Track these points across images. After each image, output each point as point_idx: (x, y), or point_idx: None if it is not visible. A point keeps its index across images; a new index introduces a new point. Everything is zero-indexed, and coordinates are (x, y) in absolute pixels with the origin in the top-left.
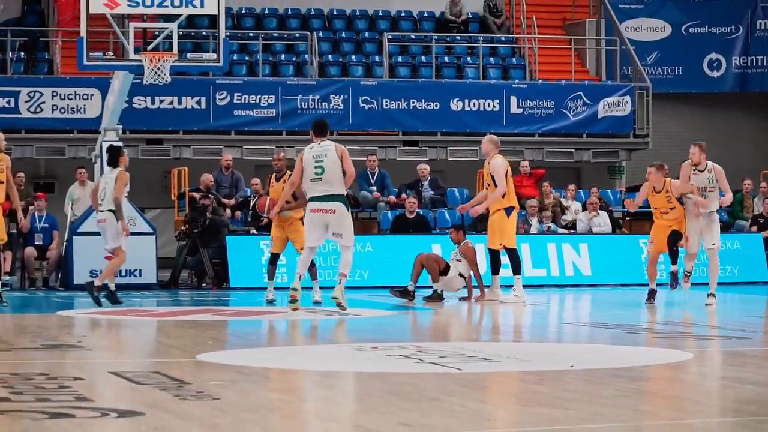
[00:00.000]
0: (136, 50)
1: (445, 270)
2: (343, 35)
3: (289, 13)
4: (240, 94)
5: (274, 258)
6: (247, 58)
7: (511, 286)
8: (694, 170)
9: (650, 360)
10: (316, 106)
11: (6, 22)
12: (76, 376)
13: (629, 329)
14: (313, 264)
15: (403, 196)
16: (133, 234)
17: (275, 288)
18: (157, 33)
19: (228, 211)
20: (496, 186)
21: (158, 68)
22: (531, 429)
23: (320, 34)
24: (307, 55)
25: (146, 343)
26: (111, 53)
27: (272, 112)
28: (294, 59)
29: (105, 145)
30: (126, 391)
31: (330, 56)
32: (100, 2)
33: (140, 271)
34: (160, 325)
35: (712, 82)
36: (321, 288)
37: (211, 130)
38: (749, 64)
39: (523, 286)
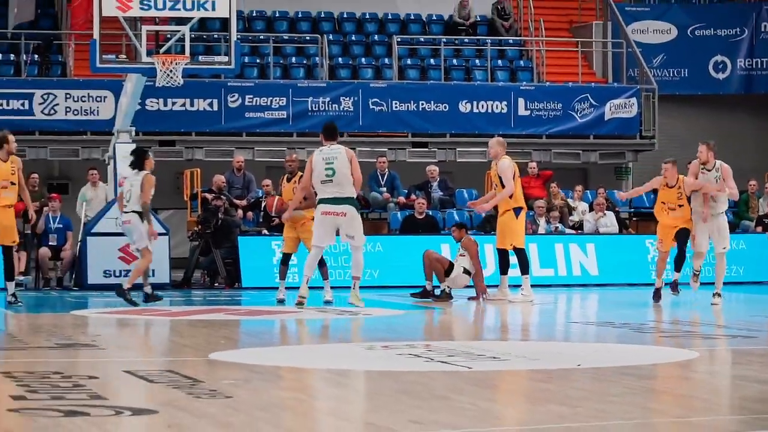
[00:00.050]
0: (149, 53)
1: (449, 269)
2: (353, 38)
3: (300, 16)
4: (251, 96)
5: (285, 258)
6: (258, 60)
7: (520, 285)
8: (702, 169)
9: (657, 359)
10: (327, 108)
11: (20, 25)
12: (91, 375)
13: (636, 328)
14: (324, 264)
15: (413, 197)
16: None
17: (286, 288)
18: (169, 36)
19: (240, 212)
20: (503, 187)
21: (170, 71)
22: (539, 427)
23: (330, 36)
24: (317, 58)
25: (160, 342)
26: (124, 56)
27: (283, 114)
28: (304, 62)
29: (121, 147)
30: (140, 390)
31: (340, 59)
32: (112, 5)
33: (153, 271)
34: (174, 324)
35: (718, 83)
36: (332, 288)
37: (222, 132)
38: (754, 66)
39: (531, 286)
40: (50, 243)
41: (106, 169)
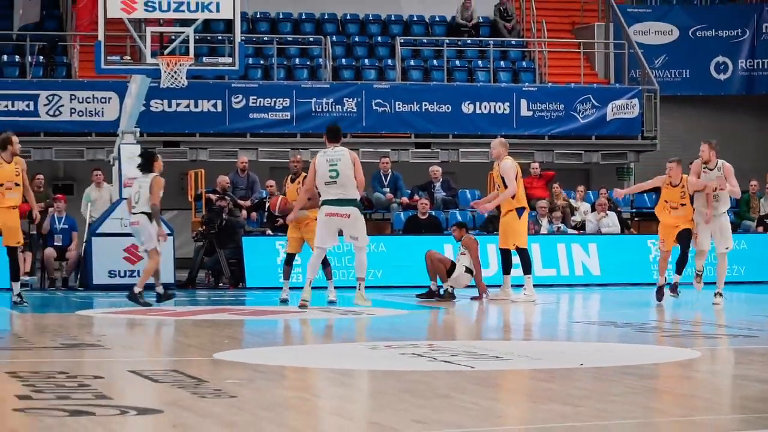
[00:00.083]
0: (153, 54)
1: (451, 269)
2: (357, 39)
3: (304, 17)
4: (255, 97)
5: (289, 258)
6: (262, 61)
7: (522, 285)
8: (704, 168)
9: (659, 358)
10: (330, 109)
11: (25, 26)
12: (96, 375)
13: (638, 328)
14: (328, 264)
15: (416, 197)
16: None
17: (290, 288)
18: (173, 37)
19: (244, 213)
20: (506, 187)
21: (175, 72)
22: (542, 426)
23: (334, 38)
24: (321, 59)
25: (164, 342)
26: (128, 57)
27: (287, 115)
28: (308, 63)
29: (126, 148)
30: (145, 389)
31: (343, 60)
32: (117, 7)
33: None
34: (178, 324)
35: (719, 84)
36: (335, 288)
37: (227, 133)
38: (755, 66)
39: (534, 286)
40: (55, 243)
41: (110, 170)
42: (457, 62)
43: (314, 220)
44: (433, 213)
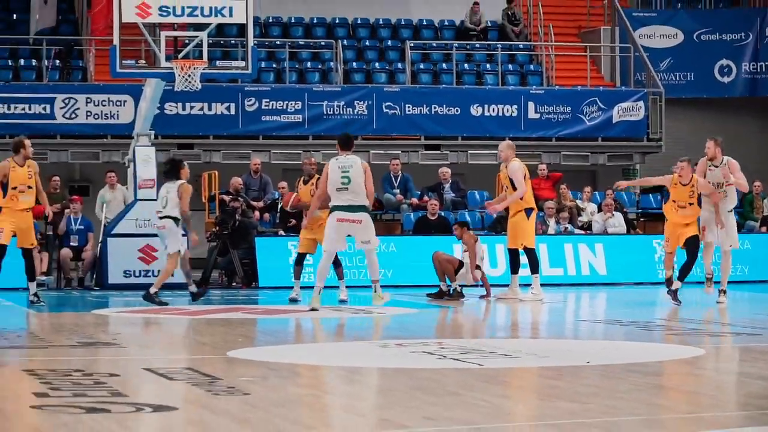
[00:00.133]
0: (168, 58)
1: (459, 268)
2: (367, 43)
3: (315, 21)
4: (268, 100)
5: (300, 258)
6: (274, 65)
7: (530, 284)
8: (709, 166)
9: (664, 356)
10: (341, 112)
11: (41, 31)
12: (112, 373)
13: (643, 326)
14: (339, 264)
15: (426, 198)
16: None
17: (301, 287)
18: (187, 41)
19: (257, 213)
20: (514, 189)
21: (189, 75)
22: (550, 423)
23: (345, 42)
24: (332, 63)
25: (179, 340)
26: (143, 61)
27: (299, 117)
28: (320, 66)
29: (141, 150)
30: (160, 387)
31: (354, 63)
32: (132, 11)
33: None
34: (192, 323)
35: (723, 87)
36: (347, 287)
37: (240, 135)
38: (759, 69)
39: (541, 285)
40: (72, 244)
41: (124, 171)
42: (466, 65)
43: (326, 219)
44: (443, 214)
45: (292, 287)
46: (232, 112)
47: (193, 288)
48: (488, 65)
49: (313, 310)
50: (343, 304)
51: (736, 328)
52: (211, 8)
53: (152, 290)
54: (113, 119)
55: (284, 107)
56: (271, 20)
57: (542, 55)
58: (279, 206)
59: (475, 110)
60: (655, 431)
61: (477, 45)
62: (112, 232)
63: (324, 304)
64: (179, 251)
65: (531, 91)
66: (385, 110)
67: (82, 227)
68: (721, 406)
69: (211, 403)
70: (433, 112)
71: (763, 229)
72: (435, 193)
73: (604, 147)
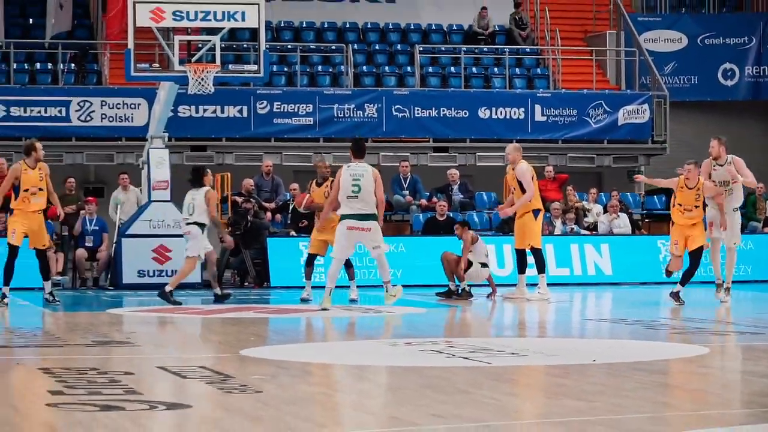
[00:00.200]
0: (181, 62)
1: (467, 267)
2: (377, 47)
3: (326, 26)
4: (279, 103)
5: (311, 259)
6: (286, 69)
7: (536, 284)
8: (714, 165)
9: (669, 354)
10: (352, 115)
11: (57, 35)
12: (126, 371)
13: (648, 325)
14: (351, 266)
15: (434, 199)
16: (179, 236)
17: (312, 287)
18: (200, 45)
19: (269, 214)
20: (522, 190)
21: (202, 79)
22: (557, 420)
23: (355, 46)
24: (342, 66)
25: (192, 339)
26: (157, 65)
27: (310, 120)
28: (330, 70)
29: (155, 152)
30: (173, 385)
31: (364, 67)
32: (146, 16)
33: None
34: (205, 322)
35: (726, 90)
36: (357, 287)
37: (252, 138)
38: (761, 73)
39: (548, 285)
40: (87, 244)
41: (137, 173)
42: (474, 69)
43: (337, 221)
44: (451, 215)
45: (304, 287)
46: (245, 114)
47: (218, 290)
48: (496, 69)
49: (324, 310)
50: (353, 303)
51: (739, 327)
52: (223, 13)
53: (168, 288)
54: (127, 122)
55: (295, 110)
56: (282, 25)
57: (549, 59)
58: (290, 207)
59: (483, 113)
60: (661, 428)
61: (485, 49)
62: (126, 233)
63: (335, 303)
64: (199, 255)
65: (538, 95)
66: (394, 113)
67: (97, 228)
68: (725, 404)
69: (223, 401)
70: (441, 115)
71: (766, 229)
72: (443, 195)
73: (609, 149)
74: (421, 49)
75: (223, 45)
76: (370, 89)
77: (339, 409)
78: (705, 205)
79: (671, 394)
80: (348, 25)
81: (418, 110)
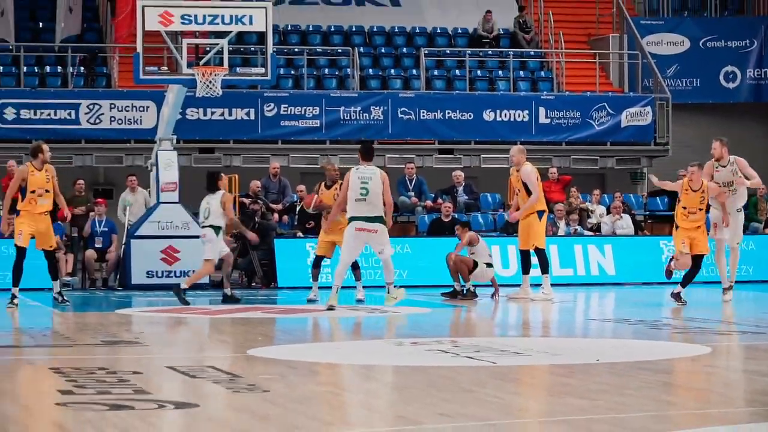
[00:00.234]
0: (189, 65)
1: (473, 268)
2: (383, 50)
3: (332, 29)
4: (286, 105)
5: (317, 260)
6: (292, 72)
7: (540, 284)
8: (716, 167)
9: (671, 354)
10: (358, 117)
11: (66, 39)
12: (135, 370)
13: (651, 325)
14: (357, 267)
15: (439, 200)
16: (187, 237)
17: (319, 288)
18: (208, 49)
19: (276, 216)
20: (527, 192)
21: (210, 82)
22: (561, 419)
23: (361, 49)
24: (349, 69)
25: (200, 339)
26: (165, 68)
27: (316, 122)
28: (337, 73)
29: (163, 155)
30: (182, 384)
31: (370, 70)
32: (155, 20)
33: (194, 271)
34: (213, 322)
35: (728, 93)
36: (364, 287)
37: (259, 140)
38: (763, 76)
39: (552, 285)
40: (96, 245)
41: (147, 175)
42: (479, 72)
43: (345, 223)
44: (456, 216)
45: (311, 288)
46: (252, 117)
47: (228, 291)
48: (500, 72)
49: (330, 307)
50: (360, 303)
51: (741, 326)
52: (231, 16)
53: (182, 285)
54: (136, 124)
55: (302, 113)
56: (289, 28)
57: (553, 62)
58: (297, 208)
59: (488, 115)
60: (664, 427)
61: (489, 52)
62: (135, 234)
63: (341, 303)
64: (215, 259)
65: (542, 97)
66: (400, 115)
67: (106, 229)
68: (728, 403)
69: (231, 400)
70: (446, 117)
71: (767, 230)
72: (448, 196)
73: (612, 151)
74: (426, 52)
75: (230, 48)
76: (376, 92)
77: (346, 408)
78: (708, 208)
79: (674, 392)
80: (354, 29)
81: (423, 113)
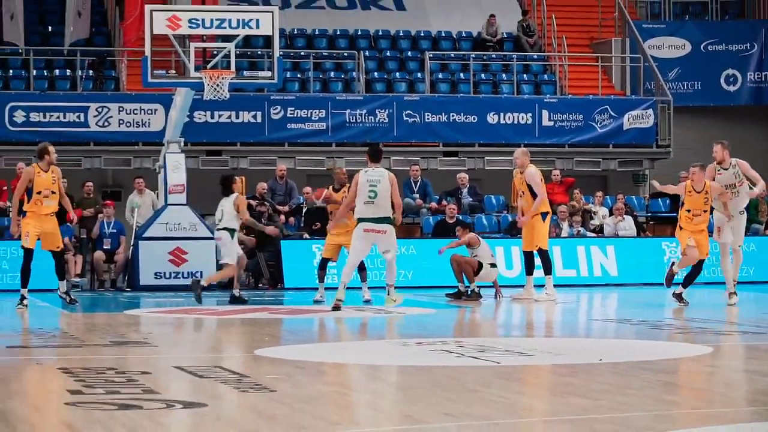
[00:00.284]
0: (197, 68)
1: (477, 270)
2: (388, 54)
3: (338, 33)
4: (293, 108)
5: (323, 263)
6: (299, 75)
7: (543, 285)
8: (718, 169)
9: (673, 354)
10: (363, 120)
11: (75, 42)
12: (143, 371)
13: (653, 325)
14: (364, 268)
15: (444, 202)
16: (194, 239)
17: (325, 289)
18: (216, 52)
19: (282, 218)
20: (531, 194)
21: (217, 85)
22: (564, 418)
23: (367, 53)
24: (354, 73)
25: (208, 339)
26: (173, 71)
27: (323, 125)
28: (342, 76)
29: (171, 157)
30: (190, 384)
31: (376, 73)
32: (162, 23)
33: (201, 273)
34: (221, 322)
35: (729, 95)
36: (369, 288)
37: (266, 142)
38: (763, 79)
39: (554, 286)
40: (104, 247)
41: (155, 177)
42: (483, 75)
43: (352, 225)
44: (461, 217)
45: (317, 289)
46: (259, 120)
47: (236, 292)
48: (504, 75)
49: (337, 302)
50: (366, 304)
51: (743, 327)
52: (238, 20)
53: (203, 282)
54: (144, 127)
55: (308, 115)
56: (296, 32)
57: (556, 65)
58: (303, 210)
59: (492, 118)
60: (666, 426)
61: (493, 56)
62: (143, 236)
63: (348, 304)
64: (234, 261)
65: (545, 100)
66: (405, 118)
67: (115, 231)
68: (729, 403)
69: (239, 400)
70: (451, 120)
71: None
72: (453, 198)
73: (614, 153)
74: (431, 55)
75: (237, 52)
76: (382, 95)
77: (352, 407)
78: (712, 210)
79: (676, 392)
80: (360, 33)
81: (428, 115)
